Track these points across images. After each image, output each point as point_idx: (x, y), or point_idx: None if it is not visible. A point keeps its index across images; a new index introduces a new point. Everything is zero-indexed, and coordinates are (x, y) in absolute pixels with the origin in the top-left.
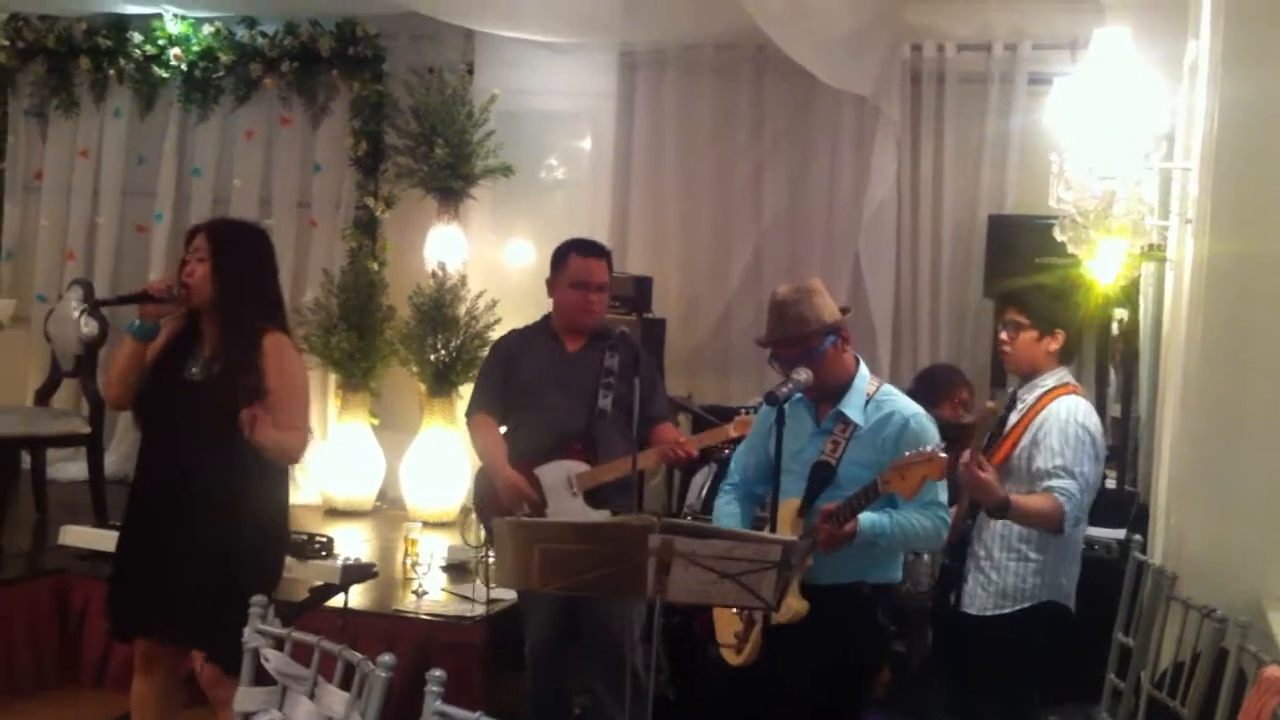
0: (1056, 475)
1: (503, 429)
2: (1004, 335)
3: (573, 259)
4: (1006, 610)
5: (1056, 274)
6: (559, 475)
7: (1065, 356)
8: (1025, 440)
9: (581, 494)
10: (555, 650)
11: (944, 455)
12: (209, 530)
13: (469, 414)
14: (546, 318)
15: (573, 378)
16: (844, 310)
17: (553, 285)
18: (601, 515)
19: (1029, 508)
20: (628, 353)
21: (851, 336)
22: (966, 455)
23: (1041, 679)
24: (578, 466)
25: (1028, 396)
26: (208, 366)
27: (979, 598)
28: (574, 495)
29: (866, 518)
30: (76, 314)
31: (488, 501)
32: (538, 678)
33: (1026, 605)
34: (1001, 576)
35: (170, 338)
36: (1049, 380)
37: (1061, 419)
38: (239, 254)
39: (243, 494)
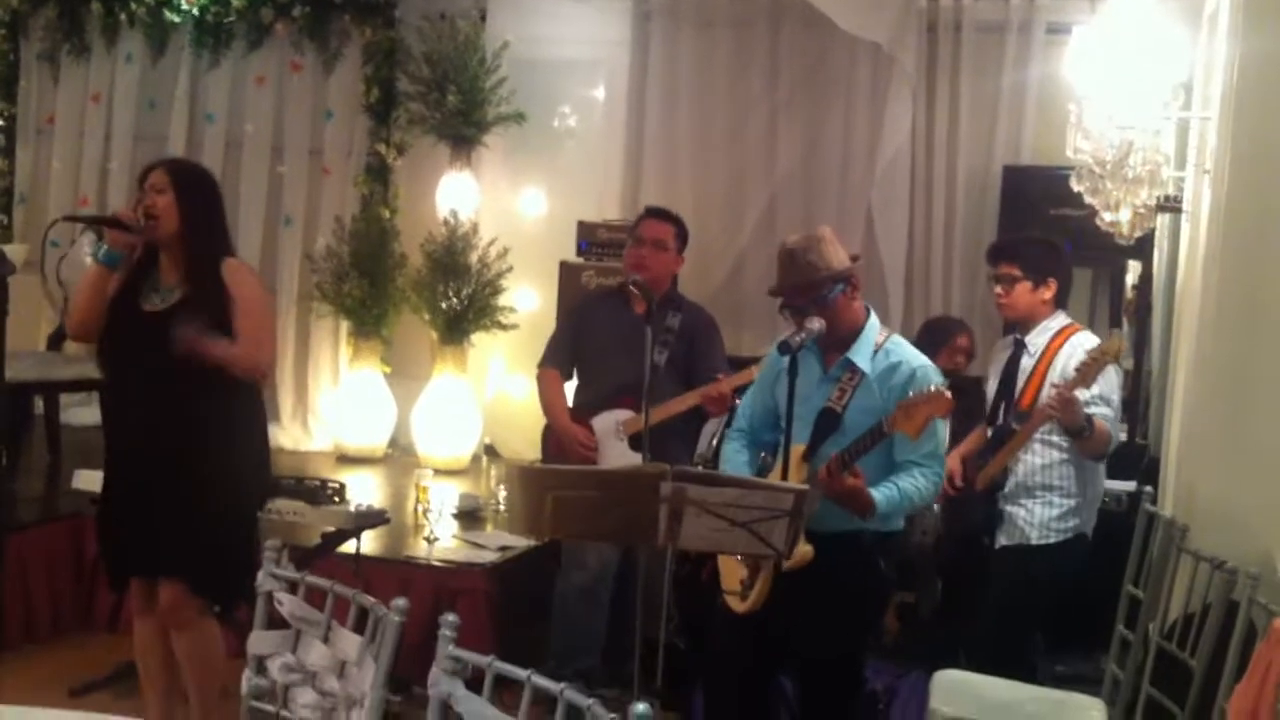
0: (1095, 404)
1: (573, 383)
2: (999, 290)
3: (640, 221)
4: (1050, 540)
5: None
6: (609, 423)
7: (1059, 303)
8: (1053, 379)
9: (626, 438)
10: (600, 593)
11: (949, 395)
12: (182, 461)
13: (538, 366)
14: (624, 283)
15: (634, 338)
16: (854, 258)
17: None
18: (637, 458)
19: (1099, 431)
20: (689, 317)
21: (862, 285)
22: (1063, 386)
23: (1050, 613)
24: (624, 414)
25: (1038, 340)
26: (168, 295)
27: (1020, 530)
28: (619, 439)
29: (881, 495)
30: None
31: (551, 453)
32: (572, 618)
33: (1069, 536)
34: (1046, 509)
35: (127, 274)
36: (1053, 324)
37: (1093, 352)
38: (198, 188)
39: (212, 423)
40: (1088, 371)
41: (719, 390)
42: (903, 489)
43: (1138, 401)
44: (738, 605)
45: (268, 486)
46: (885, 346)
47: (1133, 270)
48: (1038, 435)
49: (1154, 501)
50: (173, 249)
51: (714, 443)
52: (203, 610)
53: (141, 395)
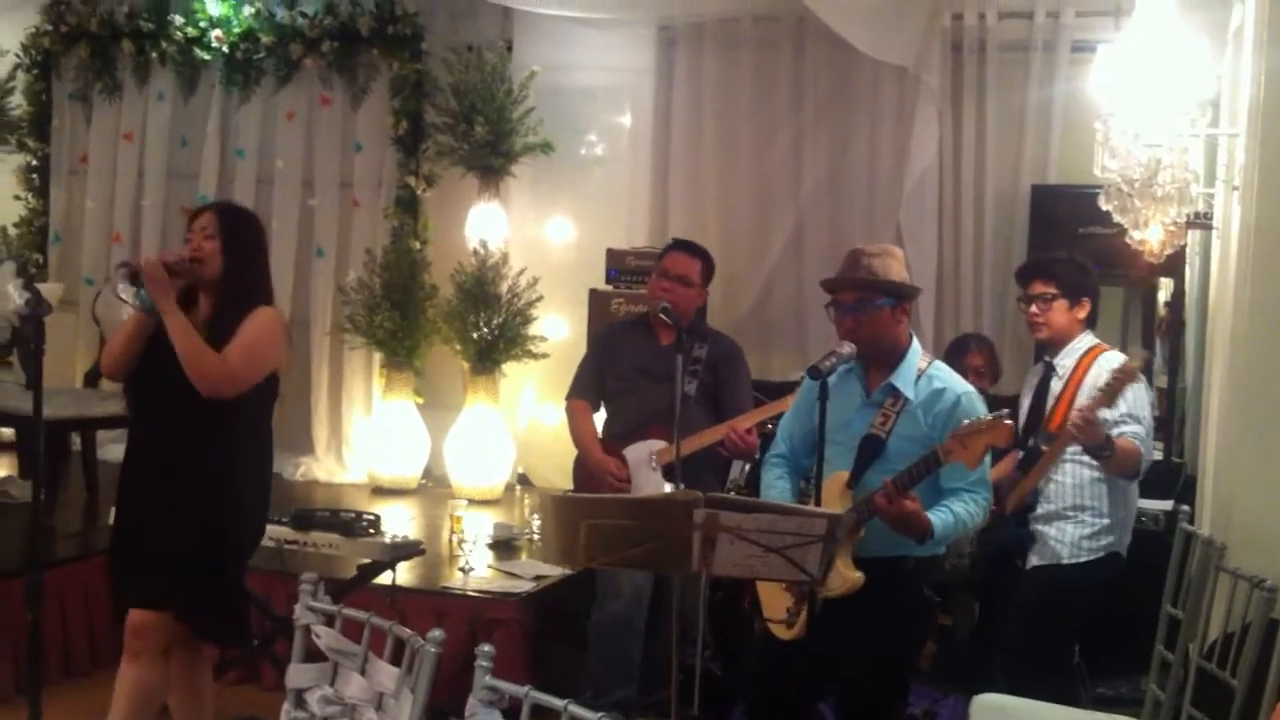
0: (1125, 422)
1: (601, 413)
2: (1034, 309)
3: (666, 253)
4: (1082, 559)
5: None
6: (642, 453)
7: (1090, 322)
8: (1080, 400)
9: (660, 468)
10: (636, 621)
11: (1009, 422)
12: (184, 497)
13: (567, 398)
14: (647, 312)
15: (661, 367)
16: (913, 287)
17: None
18: (671, 487)
19: (1121, 449)
20: (715, 347)
21: (910, 312)
22: (1086, 406)
23: (1087, 631)
24: (657, 444)
25: (1065, 361)
26: None
27: (1051, 549)
28: (653, 470)
29: (937, 519)
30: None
31: (581, 483)
32: (608, 647)
33: (1101, 555)
34: (1078, 529)
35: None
36: (1082, 343)
37: (1115, 372)
38: (245, 235)
39: (220, 463)
40: (1111, 391)
41: (739, 435)
42: (956, 513)
43: (1173, 420)
44: (783, 633)
45: (262, 530)
46: (928, 372)
47: (1165, 288)
48: (1068, 455)
49: (1191, 520)
50: (211, 292)
51: (746, 469)
52: (162, 652)
53: (154, 430)
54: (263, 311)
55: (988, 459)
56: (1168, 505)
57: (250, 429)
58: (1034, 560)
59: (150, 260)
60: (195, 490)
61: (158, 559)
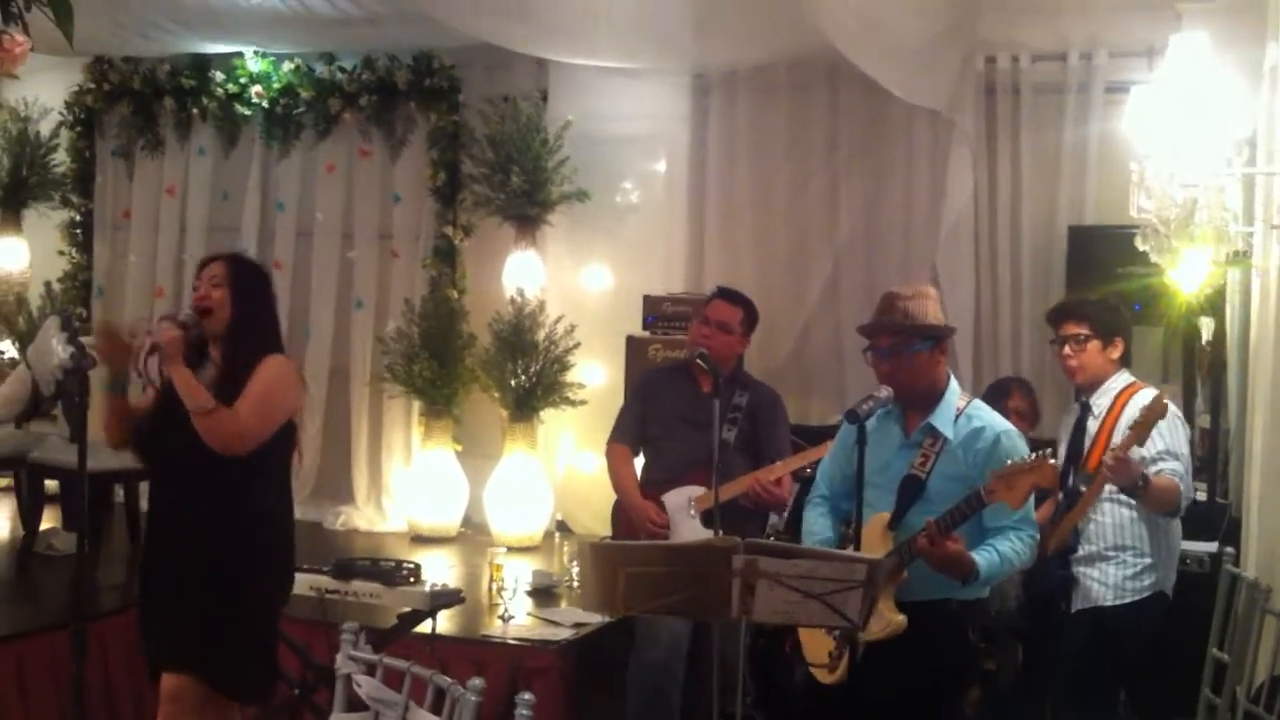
0: (1163, 459)
1: (641, 457)
2: (1067, 350)
3: (709, 301)
4: (1127, 600)
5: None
6: (681, 499)
7: (1124, 361)
8: (1117, 439)
9: (699, 515)
10: (675, 669)
11: (1053, 462)
12: (201, 554)
13: (608, 442)
14: (690, 359)
15: (701, 414)
16: (950, 328)
17: None
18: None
19: (1158, 486)
20: (755, 395)
21: (948, 352)
22: (1118, 445)
23: (1133, 674)
24: (696, 490)
25: (1101, 400)
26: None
27: (1095, 592)
28: (692, 516)
29: (982, 559)
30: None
31: (622, 529)
32: (648, 695)
33: (1145, 595)
34: (1120, 570)
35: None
36: (1117, 382)
37: (1144, 409)
38: (253, 283)
39: (238, 520)
40: (1141, 428)
41: (770, 492)
42: (1002, 553)
43: (1216, 460)
44: (825, 677)
45: (290, 582)
46: (967, 411)
47: (1206, 328)
48: (1107, 496)
49: (1236, 563)
50: (221, 342)
51: (786, 513)
52: (196, 712)
53: (170, 488)
54: (272, 361)
55: (1031, 498)
56: (1213, 547)
57: (267, 483)
58: (1078, 604)
59: (164, 332)
60: (212, 547)
61: (177, 617)
